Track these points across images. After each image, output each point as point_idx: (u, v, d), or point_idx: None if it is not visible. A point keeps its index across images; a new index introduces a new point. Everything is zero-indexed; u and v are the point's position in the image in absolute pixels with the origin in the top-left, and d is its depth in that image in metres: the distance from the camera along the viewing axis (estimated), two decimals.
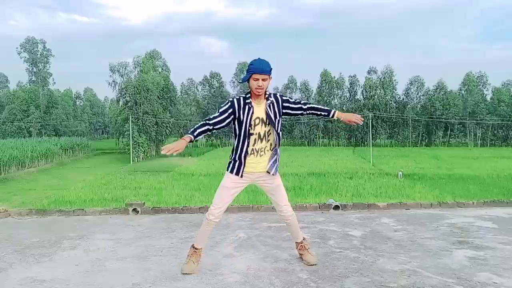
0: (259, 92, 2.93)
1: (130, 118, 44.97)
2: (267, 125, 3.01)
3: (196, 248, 3.17)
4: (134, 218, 4.98)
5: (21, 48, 58.16)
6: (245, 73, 3.00)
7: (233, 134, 3.10)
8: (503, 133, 58.19)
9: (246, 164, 3.03)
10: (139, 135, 46.24)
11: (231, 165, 3.09)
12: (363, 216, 4.94)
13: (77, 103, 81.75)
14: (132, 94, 47.68)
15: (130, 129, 44.34)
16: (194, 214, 5.20)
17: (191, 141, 2.91)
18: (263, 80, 2.90)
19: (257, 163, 3.06)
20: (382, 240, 3.94)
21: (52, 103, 59.50)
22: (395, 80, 59.88)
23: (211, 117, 3.01)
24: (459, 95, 58.33)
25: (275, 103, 3.04)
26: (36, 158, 38.37)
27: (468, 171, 29.01)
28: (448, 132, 58.58)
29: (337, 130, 59.25)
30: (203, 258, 3.42)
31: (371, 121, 47.46)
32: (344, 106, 61.06)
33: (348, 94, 61.31)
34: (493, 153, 43.95)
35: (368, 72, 60.50)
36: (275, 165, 3.11)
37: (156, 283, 2.91)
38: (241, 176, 3.05)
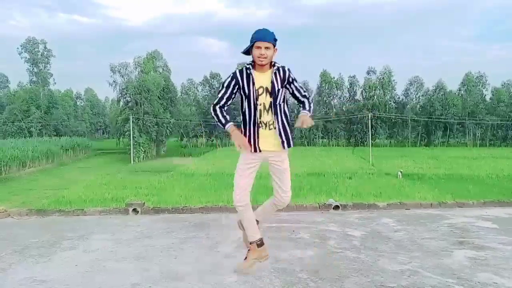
0: (262, 62, 2.74)
1: (131, 118, 44.96)
2: (271, 95, 2.81)
3: (251, 242, 2.98)
4: (134, 218, 4.97)
5: (21, 48, 58.16)
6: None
7: (240, 108, 2.92)
8: (502, 133, 58.16)
9: (259, 137, 2.82)
10: (140, 135, 46.20)
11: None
12: (363, 216, 4.94)
13: (78, 103, 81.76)
14: (132, 94, 47.67)
15: (131, 129, 44.31)
16: (194, 214, 5.19)
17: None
18: (266, 48, 2.72)
19: (266, 138, 2.84)
20: (382, 240, 3.93)
21: (53, 103, 59.51)
22: (394, 80, 59.89)
23: (220, 96, 2.89)
24: (458, 95, 58.34)
25: (281, 73, 2.83)
26: (37, 158, 38.31)
27: (468, 171, 28.95)
28: (448, 132, 58.58)
29: (337, 130, 59.28)
30: (203, 258, 3.42)
31: (371, 121, 47.45)
32: (344, 106, 61.10)
33: (347, 95, 61.33)
34: (493, 153, 43.90)
35: (367, 73, 60.51)
36: (287, 139, 2.88)
37: (155, 283, 2.91)
38: (256, 151, 2.83)
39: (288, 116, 2.91)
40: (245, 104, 2.86)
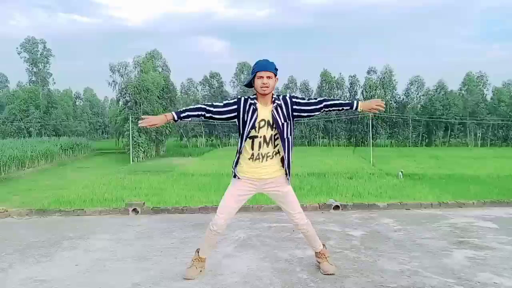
0: (264, 91, 2.77)
1: (130, 118, 44.97)
2: (273, 129, 2.82)
3: (200, 257, 3.04)
4: (134, 218, 4.98)
5: (21, 48, 58.12)
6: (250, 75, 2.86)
7: (238, 136, 2.94)
8: (503, 133, 58.15)
9: (250, 170, 2.87)
10: (139, 135, 46.22)
11: (235, 169, 2.92)
12: (363, 216, 4.94)
13: (77, 103, 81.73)
14: (132, 94, 47.70)
15: (130, 129, 44.34)
16: (194, 214, 5.20)
17: (174, 120, 2.79)
18: (268, 77, 2.76)
19: (262, 169, 2.87)
20: (382, 240, 3.94)
21: (52, 103, 59.50)
22: (395, 80, 59.93)
23: (214, 104, 2.88)
24: (459, 95, 58.34)
25: (283, 106, 2.84)
26: (36, 158, 38.38)
27: (468, 171, 28.99)
28: (448, 132, 58.58)
29: (337, 130, 59.27)
30: None
31: (371, 121, 47.46)
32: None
33: (348, 94, 61.34)
34: (493, 153, 43.92)
35: (368, 72, 60.53)
36: (283, 170, 2.91)
37: (156, 283, 2.91)
38: (239, 179, 2.90)
39: (291, 149, 2.93)
40: (244, 134, 2.84)
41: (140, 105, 47.37)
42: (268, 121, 2.82)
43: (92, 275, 3.10)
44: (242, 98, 2.88)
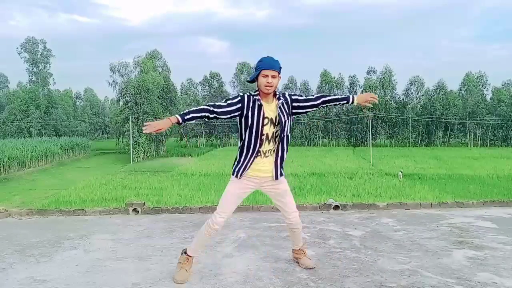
0: (268, 90, 2.76)
1: (130, 118, 44.95)
2: (276, 126, 2.84)
3: (189, 256, 3.00)
4: (134, 218, 4.98)
5: (21, 48, 58.14)
6: (253, 72, 2.82)
7: (238, 134, 2.90)
8: (503, 133, 58.13)
9: (251, 167, 2.86)
10: (139, 135, 46.21)
11: (236, 168, 2.90)
12: (363, 216, 4.95)
13: (77, 103, 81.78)
14: (132, 94, 47.69)
15: (130, 129, 44.32)
16: (194, 214, 5.21)
17: (178, 123, 2.69)
18: (272, 77, 2.75)
19: (262, 166, 2.88)
20: (382, 240, 3.94)
21: (52, 103, 59.51)
22: (394, 80, 59.96)
23: (216, 104, 2.81)
24: (459, 95, 58.37)
25: (285, 104, 2.86)
26: (36, 158, 38.35)
27: (468, 171, 28.98)
28: (448, 132, 58.60)
29: (337, 130, 59.29)
30: (203, 258, 3.42)
31: (371, 121, 47.44)
32: (344, 106, 61.10)
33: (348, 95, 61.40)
34: (493, 153, 43.91)
35: (368, 73, 60.60)
36: (280, 169, 2.94)
37: (156, 283, 2.91)
38: (238, 177, 2.88)
39: (288, 146, 2.96)
40: (247, 133, 2.82)
41: (140, 105, 47.36)
42: (271, 119, 2.83)
43: (92, 275, 3.11)
44: (245, 96, 2.85)
